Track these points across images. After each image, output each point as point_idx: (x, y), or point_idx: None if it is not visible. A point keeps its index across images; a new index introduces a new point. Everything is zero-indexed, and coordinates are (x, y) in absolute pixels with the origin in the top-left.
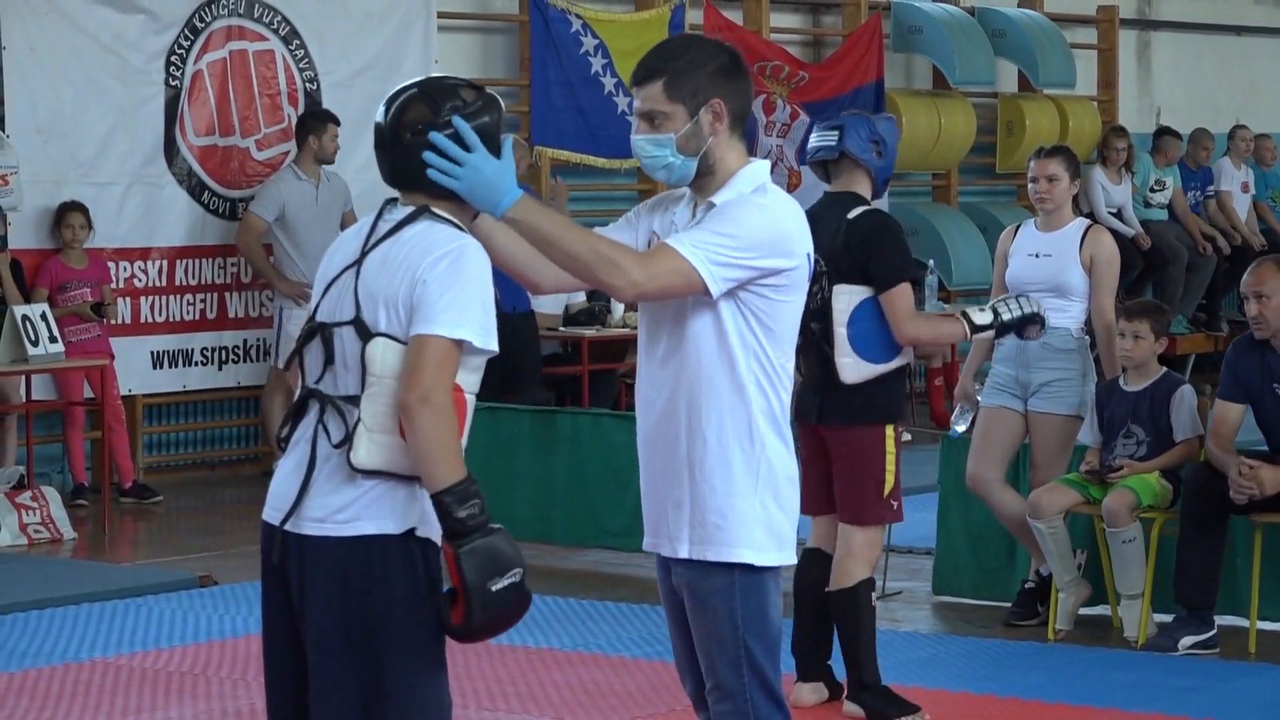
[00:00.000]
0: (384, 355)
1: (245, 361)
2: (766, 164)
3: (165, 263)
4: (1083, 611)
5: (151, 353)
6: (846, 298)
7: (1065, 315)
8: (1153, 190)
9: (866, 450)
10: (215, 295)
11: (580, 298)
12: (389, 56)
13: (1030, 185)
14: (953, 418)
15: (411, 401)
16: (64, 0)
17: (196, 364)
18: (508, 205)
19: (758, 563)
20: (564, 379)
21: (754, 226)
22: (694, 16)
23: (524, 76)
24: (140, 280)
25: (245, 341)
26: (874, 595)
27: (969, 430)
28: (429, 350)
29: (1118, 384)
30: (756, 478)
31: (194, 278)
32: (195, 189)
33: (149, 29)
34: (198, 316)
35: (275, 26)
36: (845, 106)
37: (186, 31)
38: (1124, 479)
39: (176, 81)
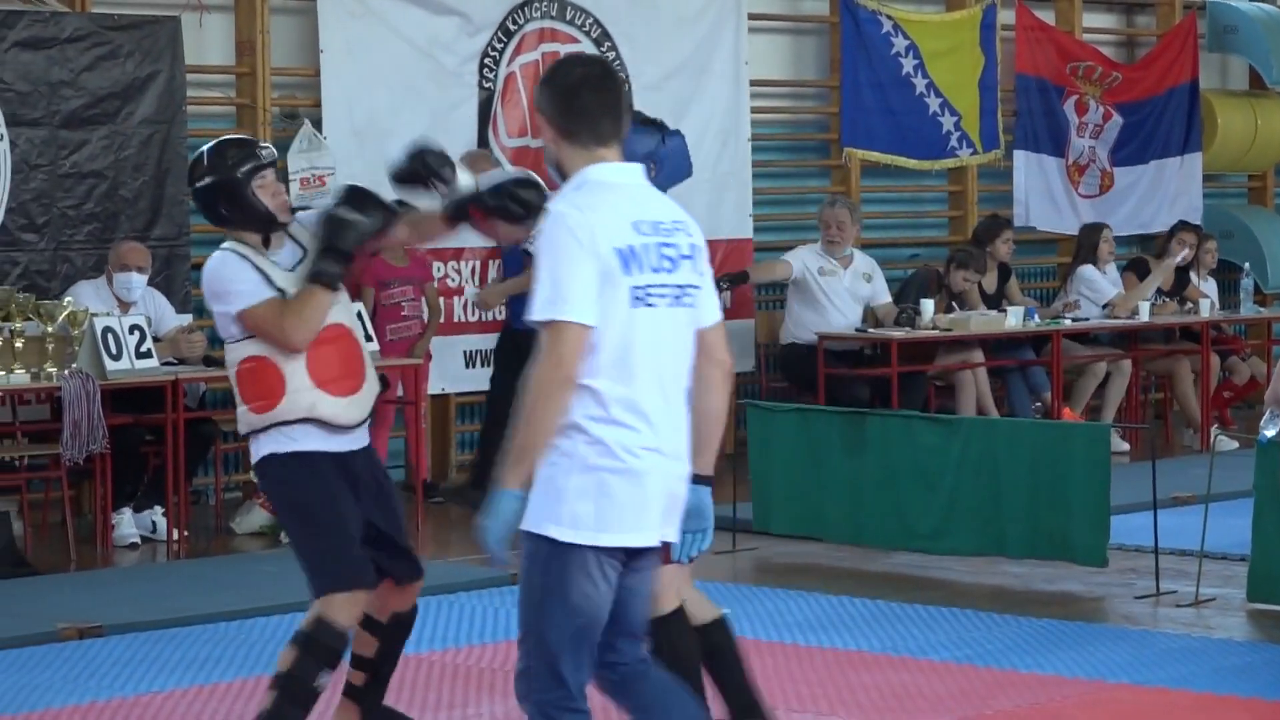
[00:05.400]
0: (227, 353)
1: None
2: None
3: (478, 263)
4: None
5: (464, 352)
6: None
7: None
8: None
9: None
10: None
11: (883, 299)
12: (700, 58)
13: None
14: (1262, 423)
15: (290, 342)
16: (380, 3)
17: None
18: (516, 506)
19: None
20: (874, 381)
21: None
22: (1006, 17)
23: (834, 77)
24: (454, 280)
25: None
26: None
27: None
28: (256, 315)
29: None
30: None
31: None
32: None
33: (463, 31)
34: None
35: (587, 29)
36: (1159, 107)
37: (499, 34)
38: None
39: (489, 84)
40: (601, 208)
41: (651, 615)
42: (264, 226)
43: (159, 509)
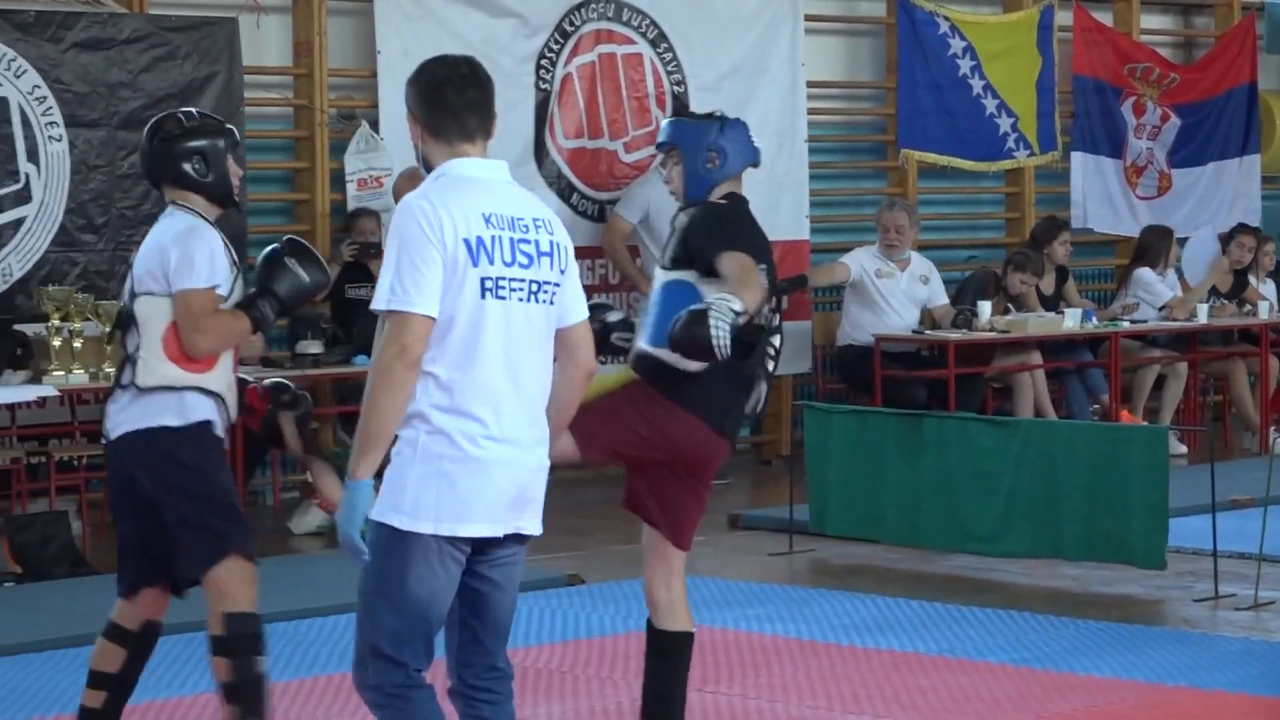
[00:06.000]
0: (144, 307)
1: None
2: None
3: None
4: None
5: None
6: None
7: None
8: None
9: None
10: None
11: (941, 301)
12: (755, 59)
13: None
14: None
15: (195, 345)
16: (437, 5)
17: None
18: (366, 495)
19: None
20: (931, 382)
21: None
22: (1063, 18)
23: (891, 79)
24: None
25: None
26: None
27: None
28: (193, 298)
29: None
30: None
31: None
32: (564, 191)
33: (520, 33)
34: None
35: (643, 30)
36: (1217, 108)
37: (556, 35)
38: None
39: (546, 85)
40: (453, 199)
41: (661, 627)
42: (226, 198)
43: None
